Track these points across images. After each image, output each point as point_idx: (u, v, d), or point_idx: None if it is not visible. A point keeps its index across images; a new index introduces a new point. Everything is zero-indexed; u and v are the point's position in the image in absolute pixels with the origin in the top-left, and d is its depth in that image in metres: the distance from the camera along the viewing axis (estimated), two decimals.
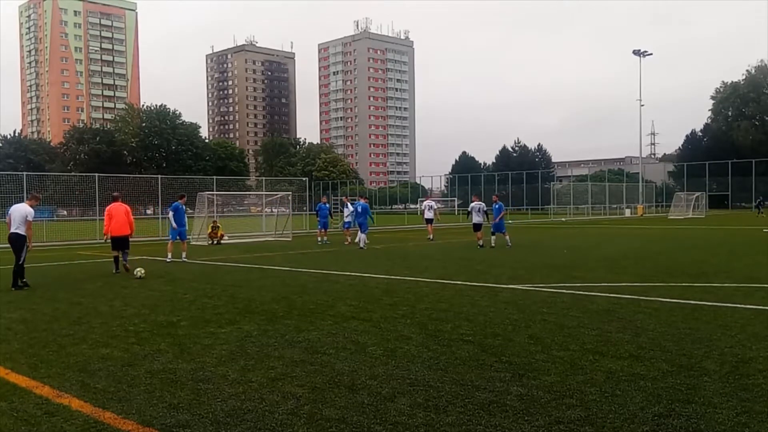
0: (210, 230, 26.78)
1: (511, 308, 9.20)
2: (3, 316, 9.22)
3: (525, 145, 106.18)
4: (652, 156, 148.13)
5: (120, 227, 15.56)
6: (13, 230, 12.47)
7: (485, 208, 22.55)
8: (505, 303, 9.71)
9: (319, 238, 26.18)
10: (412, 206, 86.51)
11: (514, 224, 46.05)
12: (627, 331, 7.52)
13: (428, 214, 28.11)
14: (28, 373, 6.08)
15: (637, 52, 66.53)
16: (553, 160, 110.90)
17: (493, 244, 21.38)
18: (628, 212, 66.43)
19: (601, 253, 19.16)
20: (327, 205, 26.82)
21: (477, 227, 22.17)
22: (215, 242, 26.23)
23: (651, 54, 67.53)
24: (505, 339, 7.20)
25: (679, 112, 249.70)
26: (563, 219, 56.05)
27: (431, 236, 26.60)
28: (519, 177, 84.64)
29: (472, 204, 22.97)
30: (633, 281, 12.17)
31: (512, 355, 6.44)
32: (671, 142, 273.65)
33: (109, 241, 15.75)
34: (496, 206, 21.96)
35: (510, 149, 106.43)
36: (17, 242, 12.41)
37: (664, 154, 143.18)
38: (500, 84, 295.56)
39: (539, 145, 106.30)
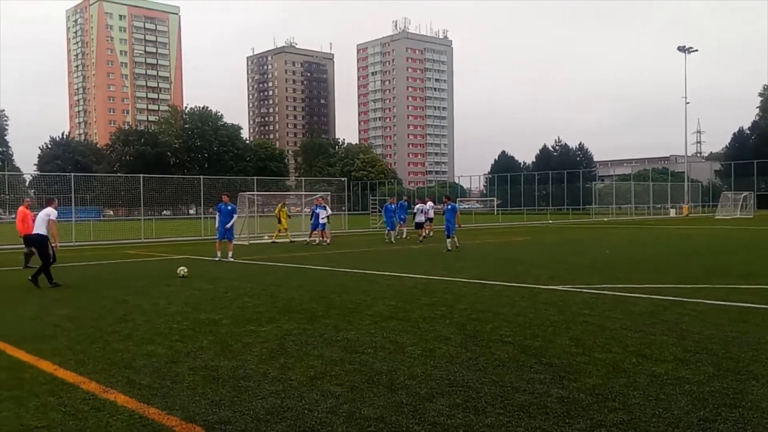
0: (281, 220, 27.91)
1: (552, 309, 9.09)
2: (51, 313, 9.50)
3: (566, 144, 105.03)
4: (698, 154, 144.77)
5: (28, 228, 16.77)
6: (35, 231, 12.92)
7: (426, 209, 26.87)
8: (545, 304, 9.60)
9: (307, 239, 26.98)
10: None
11: (555, 224, 45.56)
12: (671, 333, 7.35)
13: (419, 218, 27.97)
14: (76, 368, 6.23)
15: (682, 49, 64.93)
16: (595, 159, 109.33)
17: (449, 248, 20.21)
18: (673, 212, 65.00)
19: (644, 254, 18.79)
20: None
21: (419, 225, 26.64)
22: (280, 235, 27.43)
23: (696, 50, 65.78)
24: (546, 340, 7.11)
25: (727, 109, 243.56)
26: (605, 219, 55.13)
27: (422, 237, 26.88)
28: (559, 176, 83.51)
29: (417, 206, 27.31)
30: (677, 283, 11.90)
31: (553, 357, 6.35)
32: (718, 141, 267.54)
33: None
34: (449, 207, 21.31)
35: (550, 148, 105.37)
36: (40, 243, 12.73)
37: (711, 152, 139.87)
38: (540, 82, 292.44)
39: (580, 143, 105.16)
